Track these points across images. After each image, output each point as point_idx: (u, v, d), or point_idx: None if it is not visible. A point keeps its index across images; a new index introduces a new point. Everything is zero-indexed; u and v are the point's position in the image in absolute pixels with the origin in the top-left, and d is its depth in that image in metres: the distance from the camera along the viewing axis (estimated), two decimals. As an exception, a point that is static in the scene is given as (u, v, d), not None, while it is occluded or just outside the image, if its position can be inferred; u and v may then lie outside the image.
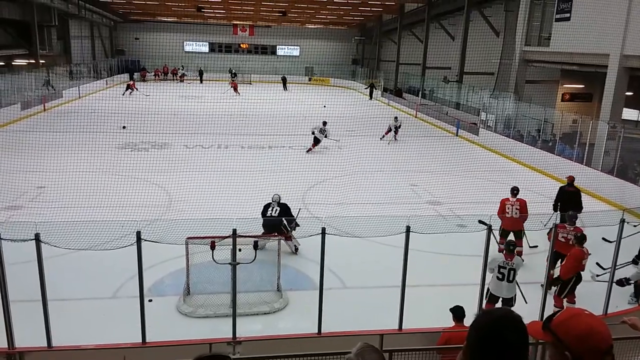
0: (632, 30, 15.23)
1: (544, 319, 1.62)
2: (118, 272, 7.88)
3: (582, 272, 7.56)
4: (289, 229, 9.09)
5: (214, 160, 15.52)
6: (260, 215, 9.25)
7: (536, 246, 9.66)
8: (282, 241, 8.36)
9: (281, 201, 9.58)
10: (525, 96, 20.46)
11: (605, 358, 1.50)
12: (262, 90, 38.36)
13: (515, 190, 9.61)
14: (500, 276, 6.83)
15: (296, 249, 9.21)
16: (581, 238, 7.53)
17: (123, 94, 29.85)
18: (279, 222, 8.99)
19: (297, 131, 20.47)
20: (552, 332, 1.56)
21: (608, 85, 16.06)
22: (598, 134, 14.90)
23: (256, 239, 7.85)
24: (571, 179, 10.68)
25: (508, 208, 9.33)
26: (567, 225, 8.43)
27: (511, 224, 9.23)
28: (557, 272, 7.94)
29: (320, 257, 5.63)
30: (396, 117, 21.72)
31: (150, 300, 7.09)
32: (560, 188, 10.94)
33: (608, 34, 15.61)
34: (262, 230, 8.97)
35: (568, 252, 7.56)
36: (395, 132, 20.97)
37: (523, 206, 9.39)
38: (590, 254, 7.56)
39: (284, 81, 41.31)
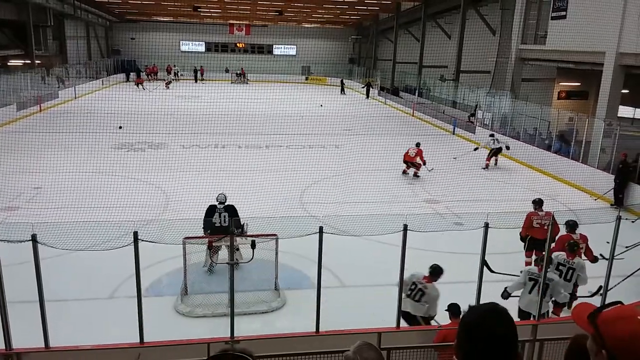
0: (627, 27, 15.26)
1: (595, 309, 1.51)
2: (115, 273, 7.87)
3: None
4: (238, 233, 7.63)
5: (210, 160, 15.51)
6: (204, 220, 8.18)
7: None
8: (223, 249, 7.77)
9: (227, 202, 8.38)
10: (522, 94, 20.51)
11: None
12: (259, 90, 38.35)
13: (540, 203, 9.18)
14: (558, 273, 6.78)
15: (237, 263, 7.98)
16: (573, 225, 7.79)
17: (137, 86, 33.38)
18: (226, 230, 7.72)
19: (294, 131, 20.48)
20: (595, 327, 1.47)
21: (604, 83, 16.10)
22: (594, 131, 14.95)
23: (253, 239, 7.86)
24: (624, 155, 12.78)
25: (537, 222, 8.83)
26: (538, 212, 8.63)
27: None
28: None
29: (318, 256, 5.62)
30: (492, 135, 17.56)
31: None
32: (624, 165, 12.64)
33: (604, 31, 15.65)
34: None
35: (543, 237, 7.62)
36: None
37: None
38: (583, 243, 7.71)
39: (342, 84, 39.35)
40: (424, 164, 14.69)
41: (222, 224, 8.07)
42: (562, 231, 7.89)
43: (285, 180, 13.01)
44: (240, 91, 35.20)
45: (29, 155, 14.92)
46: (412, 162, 14.86)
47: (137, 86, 33.73)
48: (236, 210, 8.33)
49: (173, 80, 40.84)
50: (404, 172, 15.24)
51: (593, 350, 1.48)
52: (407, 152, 14.88)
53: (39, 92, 26.05)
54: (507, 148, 16.90)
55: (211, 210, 8.24)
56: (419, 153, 14.75)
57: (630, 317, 1.45)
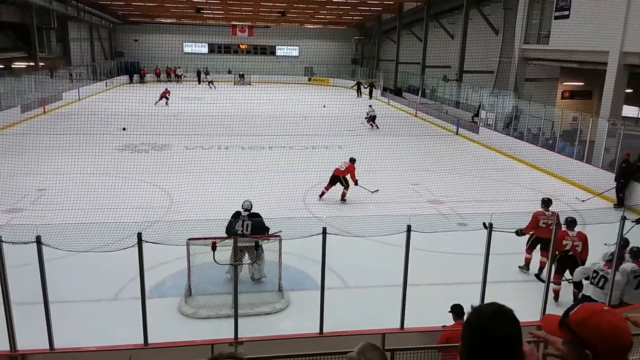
0: (631, 27, 15.21)
1: (562, 314, 1.56)
2: (119, 274, 7.89)
3: (575, 257, 7.78)
4: (260, 249, 7.85)
5: (214, 161, 15.52)
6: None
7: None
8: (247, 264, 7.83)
9: (253, 210, 8.19)
10: (525, 94, 20.46)
11: (627, 355, 1.45)
12: (262, 91, 38.40)
13: (549, 203, 9.12)
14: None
15: (258, 278, 8.14)
16: (571, 222, 7.92)
17: (156, 103, 28.04)
18: (249, 239, 7.72)
19: (297, 131, 20.50)
20: (571, 330, 1.50)
21: (608, 83, 16.05)
22: (598, 131, 14.90)
23: (257, 240, 7.87)
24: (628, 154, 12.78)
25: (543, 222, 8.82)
26: (545, 212, 8.68)
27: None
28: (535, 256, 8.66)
29: (322, 257, 5.62)
30: (370, 105, 25.11)
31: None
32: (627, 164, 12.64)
33: (607, 31, 15.59)
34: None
35: (549, 237, 7.68)
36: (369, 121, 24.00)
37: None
38: (579, 241, 7.80)
39: (359, 86, 37.82)
40: (355, 183, 12.57)
41: (244, 232, 7.93)
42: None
43: (289, 181, 13.00)
44: (243, 92, 35.28)
45: (33, 157, 14.97)
46: (344, 177, 12.53)
47: (161, 99, 28.68)
48: (262, 219, 8.11)
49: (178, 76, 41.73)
50: (322, 194, 12.66)
51: (573, 354, 1.50)
52: (338, 167, 12.65)
53: (43, 94, 26.14)
54: (373, 118, 23.78)
55: (235, 217, 8.10)
56: (350, 169, 12.55)
57: (599, 311, 1.51)
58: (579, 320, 1.50)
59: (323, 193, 12.63)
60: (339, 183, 12.54)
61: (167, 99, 28.95)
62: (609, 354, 1.44)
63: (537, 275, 8.71)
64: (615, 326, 1.45)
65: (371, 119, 23.96)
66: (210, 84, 40.29)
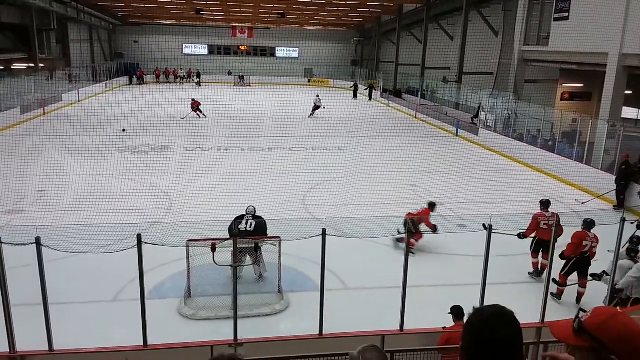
0: (630, 28, 15.22)
1: (574, 322, 1.53)
2: (119, 275, 7.88)
3: (590, 258, 7.76)
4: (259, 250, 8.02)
5: (214, 162, 15.52)
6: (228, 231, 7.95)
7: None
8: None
9: (256, 214, 8.37)
10: (525, 96, 20.47)
11: None
12: (262, 92, 38.41)
13: (547, 204, 9.03)
14: None
15: (261, 275, 8.28)
16: (590, 223, 7.82)
17: (183, 118, 24.77)
18: (248, 241, 7.81)
19: (296, 133, 20.51)
20: (591, 336, 1.47)
21: (607, 84, 16.06)
22: (598, 133, 14.90)
23: (256, 241, 7.87)
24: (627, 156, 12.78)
25: (544, 223, 8.67)
26: (545, 213, 8.62)
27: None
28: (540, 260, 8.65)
29: (321, 258, 5.62)
30: (317, 95, 27.46)
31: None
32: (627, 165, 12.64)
33: (607, 32, 15.61)
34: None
35: (549, 238, 7.63)
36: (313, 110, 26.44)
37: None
38: (596, 242, 7.76)
39: (356, 88, 38.10)
40: (434, 230, 9.51)
41: (248, 229, 8.07)
42: (566, 232, 7.83)
43: (288, 182, 13.01)
44: (243, 94, 35.28)
45: (32, 158, 14.96)
46: (412, 220, 8.51)
47: (199, 112, 25.59)
48: (264, 222, 8.20)
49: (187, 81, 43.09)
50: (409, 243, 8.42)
51: None
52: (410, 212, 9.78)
53: (42, 96, 26.15)
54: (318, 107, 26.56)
55: (239, 218, 8.25)
56: (423, 214, 9.69)
57: (615, 314, 1.49)
58: (598, 324, 1.48)
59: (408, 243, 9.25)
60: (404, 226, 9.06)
61: (200, 110, 25.69)
62: (629, 357, 1.42)
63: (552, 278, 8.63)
64: (632, 328, 1.44)
65: (314, 108, 26.44)
66: (198, 84, 42.02)
